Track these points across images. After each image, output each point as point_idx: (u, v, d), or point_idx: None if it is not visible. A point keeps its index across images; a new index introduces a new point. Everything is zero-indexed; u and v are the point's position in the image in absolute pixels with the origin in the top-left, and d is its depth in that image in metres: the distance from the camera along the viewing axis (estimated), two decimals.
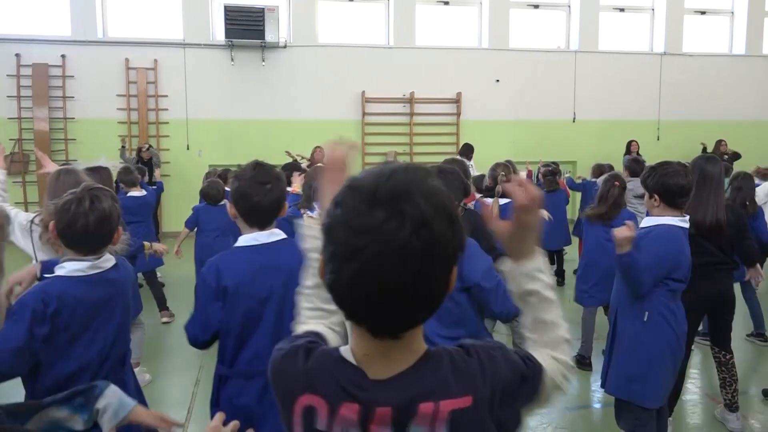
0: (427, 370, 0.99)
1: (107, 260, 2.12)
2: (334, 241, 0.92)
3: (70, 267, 2.04)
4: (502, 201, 4.88)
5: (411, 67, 11.82)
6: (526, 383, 1.06)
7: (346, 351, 1.02)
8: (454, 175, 2.71)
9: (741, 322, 5.56)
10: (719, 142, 12.04)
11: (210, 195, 5.97)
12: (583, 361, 4.86)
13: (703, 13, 13.29)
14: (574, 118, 12.57)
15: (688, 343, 2.94)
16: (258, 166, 2.26)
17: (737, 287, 5.48)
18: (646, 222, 2.96)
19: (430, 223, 0.88)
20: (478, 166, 9.77)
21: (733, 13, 13.36)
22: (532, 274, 1.16)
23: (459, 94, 12.03)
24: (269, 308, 2.21)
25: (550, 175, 7.44)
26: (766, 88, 13.10)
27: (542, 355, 1.12)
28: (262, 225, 2.26)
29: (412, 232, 0.87)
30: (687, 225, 2.87)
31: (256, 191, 2.19)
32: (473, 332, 2.48)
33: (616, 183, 4.66)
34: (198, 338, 2.22)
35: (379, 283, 0.88)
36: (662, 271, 2.81)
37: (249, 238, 2.25)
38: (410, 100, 11.90)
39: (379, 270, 0.87)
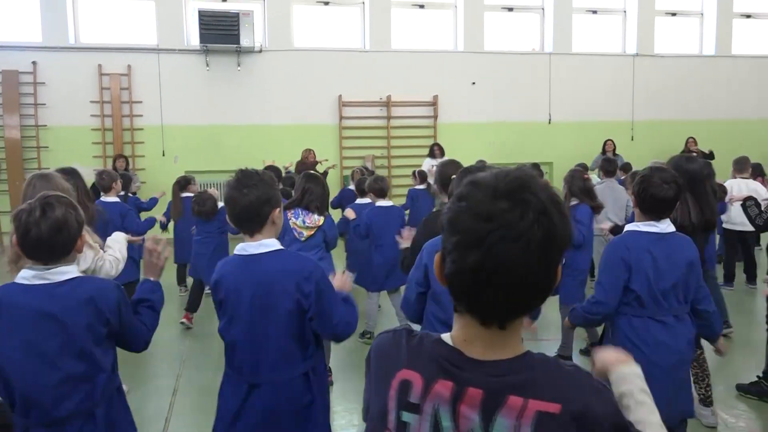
0: (523, 365, 1.02)
1: (60, 273, 2.02)
2: (458, 230, 0.97)
3: (21, 274, 2.03)
4: None
5: (387, 70, 11.85)
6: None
7: (446, 336, 1.07)
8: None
9: None
10: (688, 140, 12.25)
11: (203, 212, 5.90)
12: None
13: (673, 14, 13.51)
14: (550, 120, 12.69)
15: None
16: (240, 172, 2.28)
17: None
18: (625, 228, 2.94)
19: (548, 213, 0.95)
20: None
21: (702, 14, 13.60)
22: (622, 378, 1.25)
23: (435, 97, 12.09)
24: (250, 320, 2.22)
25: None
26: (735, 88, 13.35)
27: None
28: (248, 230, 2.26)
29: (534, 220, 0.93)
30: (656, 229, 2.77)
31: (236, 196, 2.21)
32: None
33: (585, 176, 4.77)
34: None
35: (503, 268, 0.93)
36: (620, 283, 2.73)
37: (239, 248, 2.27)
38: (387, 104, 11.92)
39: (503, 255, 0.93)
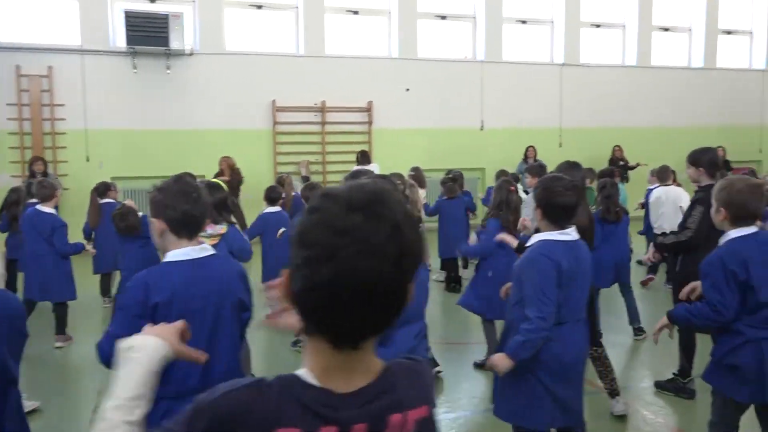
0: (390, 382, 1.02)
1: None
2: (310, 243, 0.93)
3: None
4: None
5: (322, 75, 11.80)
6: None
7: (304, 373, 1.00)
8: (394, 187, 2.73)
9: (625, 318, 5.93)
10: (615, 148, 12.82)
11: (128, 227, 5.18)
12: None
13: (597, 26, 14.08)
14: (482, 126, 12.96)
15: None
16: (181, 178, 2.31)
17: (616, 286, 5.91)
18: (531, 241, 2.96)
19: (402, 228, 0.93)
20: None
21: (624, 27, 14.23)
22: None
23: (370, 103, 12.13)
24: (203, 323, 2.19)
25: (450, 182, 7.61)
26: (655, 96, 13.99)
27: None
28: (191, 235, 2.26)
29: (388, 234, 0.92)
30: (568, 237, 2.81)
31: (185, 200, 2.21)
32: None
33: (512, 188, 4.85)
34: (111, 357, 2.11)
35: (356, 283, 0.91)
36: (553, 293, 2.72)
37: (180, 253, 2.22)
38: (322, 109, 11.87)
39: (357, 270, 0.90)
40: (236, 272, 2.35)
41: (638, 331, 5.82)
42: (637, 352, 5.66)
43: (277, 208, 6.08)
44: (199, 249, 2.26)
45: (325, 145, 11.92)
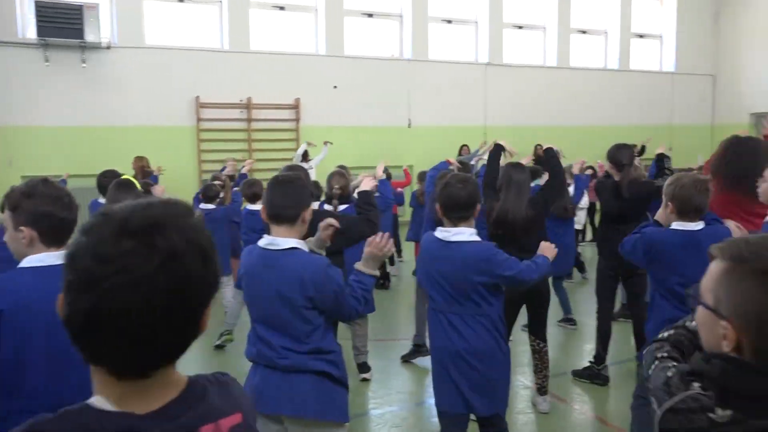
0: (198, 395, 0.97)
1: None
2: (74, 268, 0.86)
3: None
4: (341, 207, 4.92)
5: (247, 71, 11.59)
6: None
7: (97, 401, 0.91)
8: (301, 182, 2.66)
9: (553, 310, 6.14)
10: (536, 146, 13.23)
11: None
12: (420, 350, 5.07)
13: (520, 27, 14.50)
14: (410, 124, 13.09)
15: (506, 335, 3.09)
16: (47, 180, 2.07)
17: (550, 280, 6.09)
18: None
19: (180, 258, 0.86)
20: (319, 171, 9.80)
21: (545, 28, 14.71)
22: None
23: (297, 100, 12.02)
24: (50, 335, 1.97)
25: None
26: (573, 96, 14.53)
27: None
28: (60, 243, 2.05)
29: (159, 265, 0.84)
30: (441, 235, 2.90)
31: (60, 206, 2.02)
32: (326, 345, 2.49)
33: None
34: None
35: (120, 315, 0.84)
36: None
37: (35, 259, 2.01)
38: (248, 106, 11.66)
39: (119, 302, 0.83)
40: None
41: (569, 321, 6.10)
42: (559, 340, 5.87)
43: (212, 206, 6.01)
44: (57, 255, 2.00)
45: (251, 142, 11.71)
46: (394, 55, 13.23)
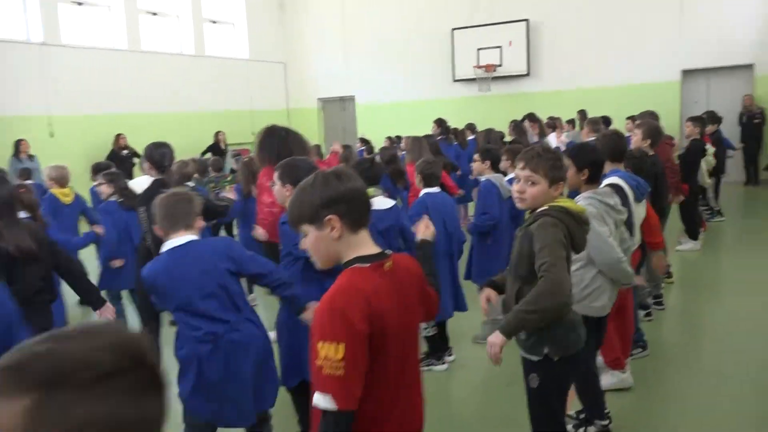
0: None
1: None
2: None
3: None
4: None
5: None
6: None
7: None
8: None
9: None
10: (118, 136, 12.20)
11: None
12: None
13: (80, 4, 12.92)
14: None
15: None
16: None
17: None
18: None
19: None
20: None
21: (109, 7, 13.39)
22: None
23: None
24: None
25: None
26: (151, 82, 13.64)
27: None
28: None
29: None
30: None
31: None
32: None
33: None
34: None
35: None
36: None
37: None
38: None
39: None
40: None
41: None
42: None
43: None
44: None
45: None
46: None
